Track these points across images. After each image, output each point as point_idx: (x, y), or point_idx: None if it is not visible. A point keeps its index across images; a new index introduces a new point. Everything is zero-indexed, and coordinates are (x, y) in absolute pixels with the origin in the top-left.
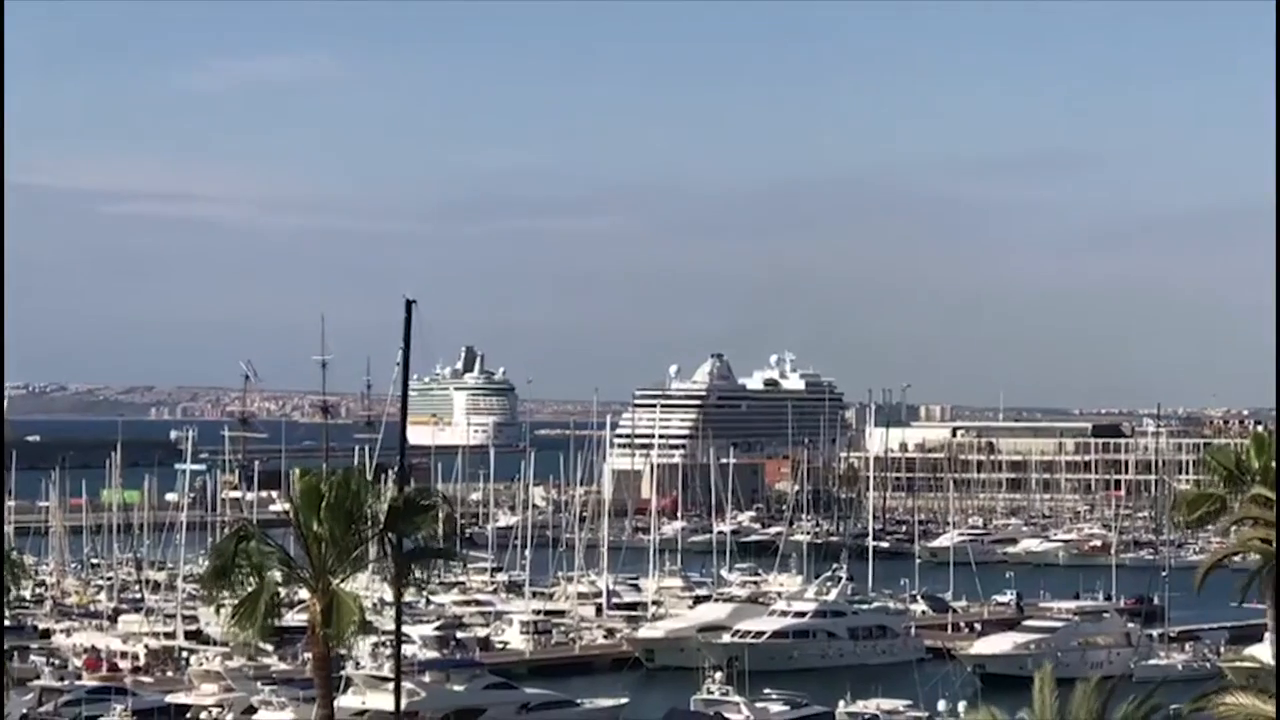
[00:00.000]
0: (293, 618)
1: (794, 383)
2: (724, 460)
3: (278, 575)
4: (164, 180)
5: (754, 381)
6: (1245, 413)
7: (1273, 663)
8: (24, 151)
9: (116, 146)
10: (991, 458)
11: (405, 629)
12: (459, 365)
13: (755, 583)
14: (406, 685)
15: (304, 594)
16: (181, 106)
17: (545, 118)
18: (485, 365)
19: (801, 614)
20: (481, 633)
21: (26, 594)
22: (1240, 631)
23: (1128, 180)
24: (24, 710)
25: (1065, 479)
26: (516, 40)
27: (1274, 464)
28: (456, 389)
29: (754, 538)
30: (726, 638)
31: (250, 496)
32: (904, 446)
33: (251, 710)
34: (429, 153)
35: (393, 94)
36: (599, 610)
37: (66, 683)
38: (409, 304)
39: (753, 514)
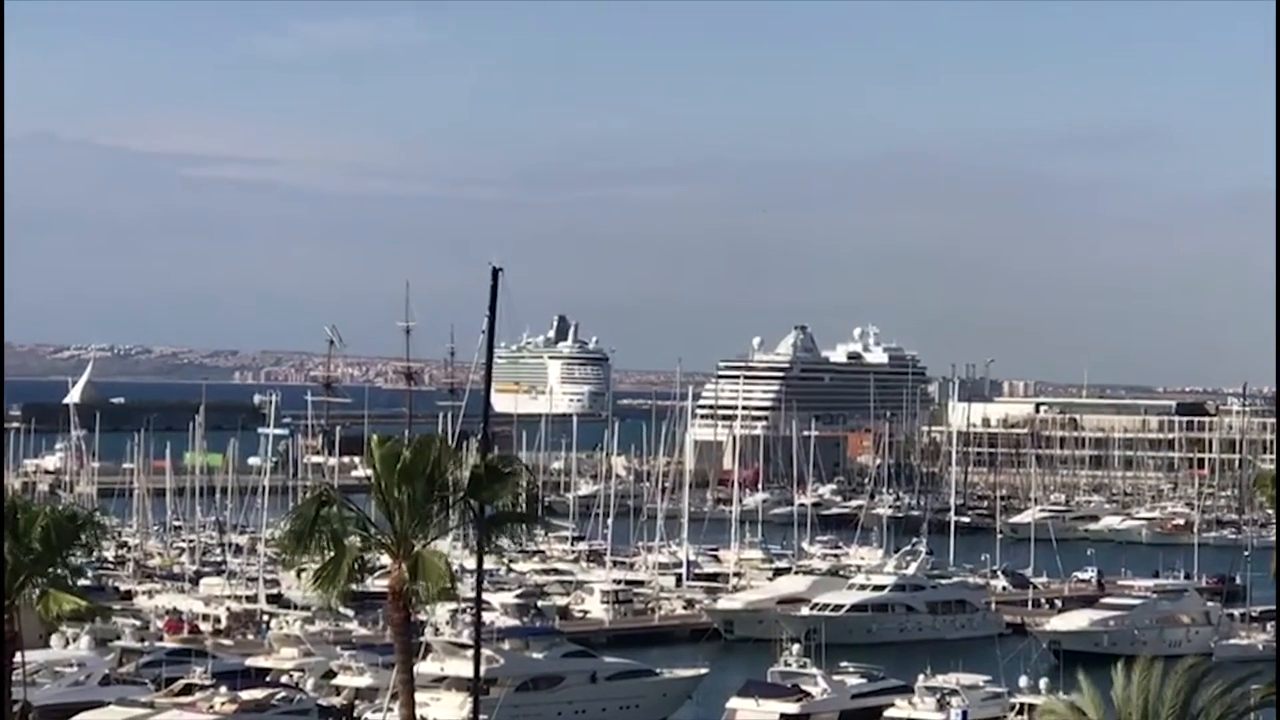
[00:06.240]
0: (373, 584)
1: (877, 356)
2: (806, 432)
3: (357, 540)
4: (249, 145)
5: (837, 354)
6: None
7: None
8: (110, 115)
9: (202, 111)
10: (1074, 434)
11: (486, 596)
12: (551, 334)
13: (835, 555)
14: (485, 652)
15: (385, 560)
16: (265, 71)
17: (629, 85)
18: (578, 335)
19: (881, 588)
20: (561, 601)
21: (110, 555)
22: None
23: (1211, 155)
24: (105, 671)
25: (1148, 456)
26: (600, 7)
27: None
28: (551, 358)
29: (835, 510)
30: (805, 610)
31: (332, 461)
32: (986, 421)
33: (331, 674)
34: (512, 119)
35: (476, 60)
36: (679, 581)
37: (147, 644)
38: (495, 271)
39: (834, 487)
